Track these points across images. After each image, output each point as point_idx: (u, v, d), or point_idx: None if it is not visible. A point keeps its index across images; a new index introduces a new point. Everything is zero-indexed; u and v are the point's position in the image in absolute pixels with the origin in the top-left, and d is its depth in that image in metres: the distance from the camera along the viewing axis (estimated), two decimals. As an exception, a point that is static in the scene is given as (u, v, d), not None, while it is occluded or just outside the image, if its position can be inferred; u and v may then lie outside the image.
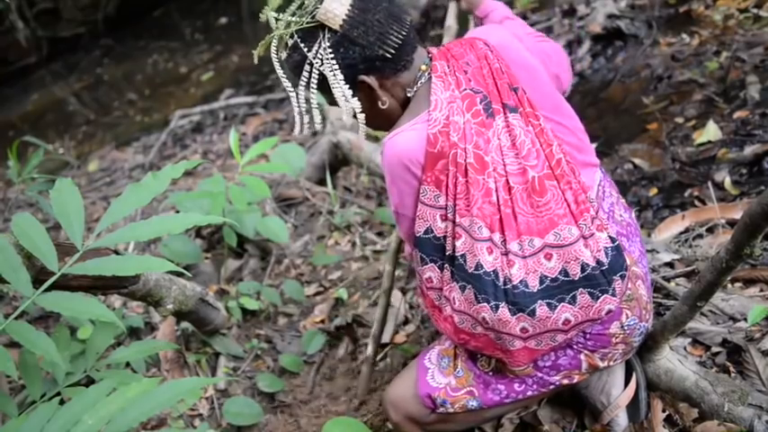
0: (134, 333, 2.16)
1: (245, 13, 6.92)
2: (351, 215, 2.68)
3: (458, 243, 1.15)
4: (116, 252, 1.45)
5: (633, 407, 1.41)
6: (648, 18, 3.38)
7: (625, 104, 2.95)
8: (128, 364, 1.92)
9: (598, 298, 1.14)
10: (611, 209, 1.29)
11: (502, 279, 1.14)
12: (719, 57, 2.82)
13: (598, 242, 1.14)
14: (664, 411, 1.39)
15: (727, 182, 2.15)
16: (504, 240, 1.13)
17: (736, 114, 2.44)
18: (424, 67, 1.20)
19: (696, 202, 2.16)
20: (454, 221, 1.15)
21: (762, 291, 1.62)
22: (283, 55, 1.20)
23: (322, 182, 2.92)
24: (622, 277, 1.15)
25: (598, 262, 1.13)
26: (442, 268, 1.21)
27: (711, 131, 2.40)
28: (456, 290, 1.19)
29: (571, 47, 3.50)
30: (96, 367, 1.53)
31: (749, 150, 2.22)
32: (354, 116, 1.21)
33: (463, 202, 1.13)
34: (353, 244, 2.60)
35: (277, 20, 1.18)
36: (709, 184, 2.14)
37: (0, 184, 4.34)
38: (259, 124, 4.05)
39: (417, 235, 1.20)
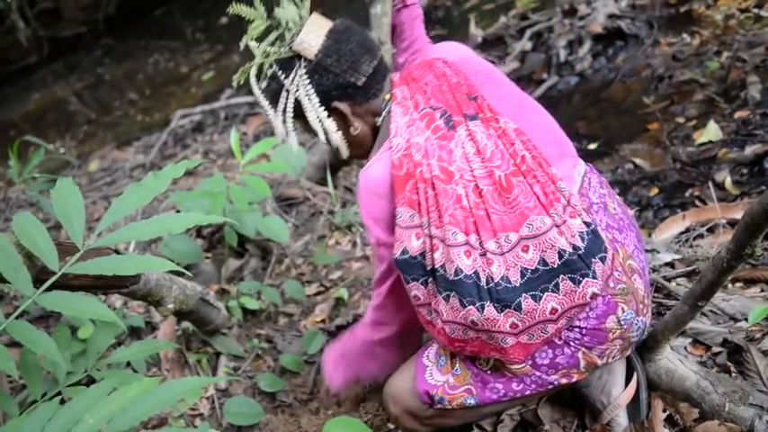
0: (135, 333, 2.16)
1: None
2: (351, 215, 2.68)
3: (436, 255, 1.18)
4: (117, 252, 1.45)
5: (634, 407, 1.41)
6: (649, 18, 3.38)
7: (626, 104, 2.95)
8: (128, 364, 1.92)
9: (579, 282, 1.15)
10: (603, 200, 1.32)
11: (484, 279, 1.16)
12: (720, 57, 2.82)
13: (571, 228, 1.16)
14: (664, 411, 1.39)
15: (728, 182, 2.15)
16: (481, 241, 1.16)
17: (737, 114, 2.44)
18: (387, 97, 1.29)
19: (697, 202, 2.16)
20: (430, 235, 1.18)
21: (762, 291, 1.62)
22: (263, 84, 1.29)
23: (323, 181, 2.92)
24: (602, 259, 1.17)
25: (574, 247, 1.15)
26: (425, 284, 1.23)
27: (712, 131, 2.40)
28: (441, 302, 1.20)
29: (572, 47, 3.50)
30: (97, 367, 1.53)
31: (750, 150, 2.22)
32: (328, 141, 1.31)
33: (435, 213, 1.17)
34: (354, 244, 2.60)
35: (257, 48, 1.27)
36: (710, 183, 2.15)
37: (1, 184, 4.35)
38: (260, 124, 4.05)
39: (395, 257, 1.23)
